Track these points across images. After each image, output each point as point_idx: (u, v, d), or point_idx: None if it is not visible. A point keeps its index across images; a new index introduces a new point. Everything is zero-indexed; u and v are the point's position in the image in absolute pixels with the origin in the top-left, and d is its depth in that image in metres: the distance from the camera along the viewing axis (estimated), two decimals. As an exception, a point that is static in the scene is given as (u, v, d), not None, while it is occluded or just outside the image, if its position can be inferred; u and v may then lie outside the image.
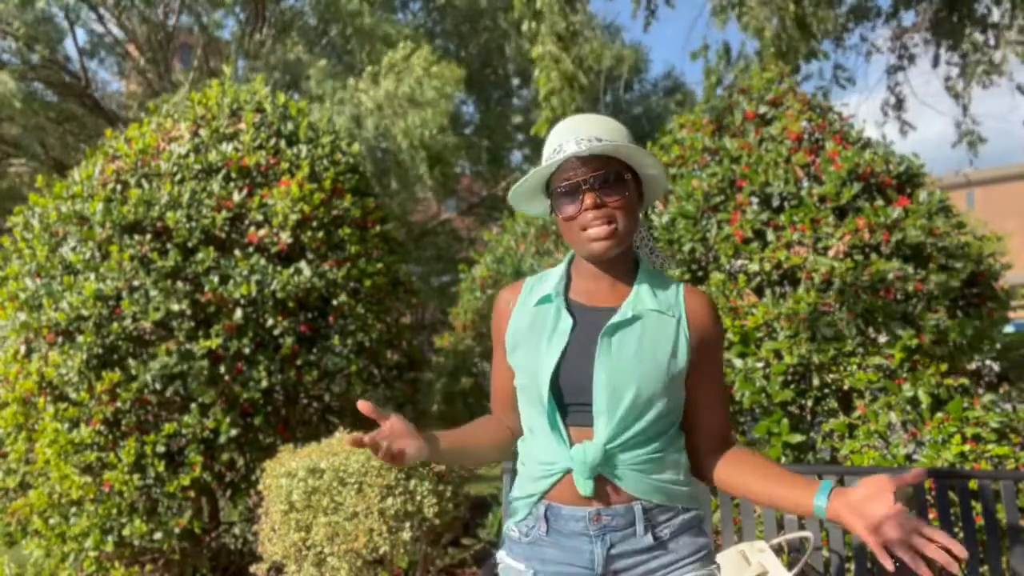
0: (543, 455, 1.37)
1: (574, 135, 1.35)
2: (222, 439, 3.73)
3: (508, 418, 1.54)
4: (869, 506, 1.16)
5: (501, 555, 1.46)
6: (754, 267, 3.75)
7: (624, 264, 1.42)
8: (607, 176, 1.33)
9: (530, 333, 1.41)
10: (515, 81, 17.11)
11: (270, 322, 3.91)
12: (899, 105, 8.71)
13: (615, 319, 1.34)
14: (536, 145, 15.83)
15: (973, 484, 2.85)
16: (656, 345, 1.34)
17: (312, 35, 13.78)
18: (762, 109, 4.29)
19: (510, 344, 1.44)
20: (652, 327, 1.35)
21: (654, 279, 1.42)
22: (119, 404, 3.66)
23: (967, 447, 3.10)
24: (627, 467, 1.32)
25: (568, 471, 1.33)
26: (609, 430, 1.31)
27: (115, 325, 3.71)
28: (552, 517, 1.36)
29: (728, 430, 1.47)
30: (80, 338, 3.67)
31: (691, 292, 1.42)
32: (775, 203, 4.01)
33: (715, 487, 1.45)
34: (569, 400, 1.34)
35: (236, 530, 4.31)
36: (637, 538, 1.34)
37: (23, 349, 3.88)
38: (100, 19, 13.21)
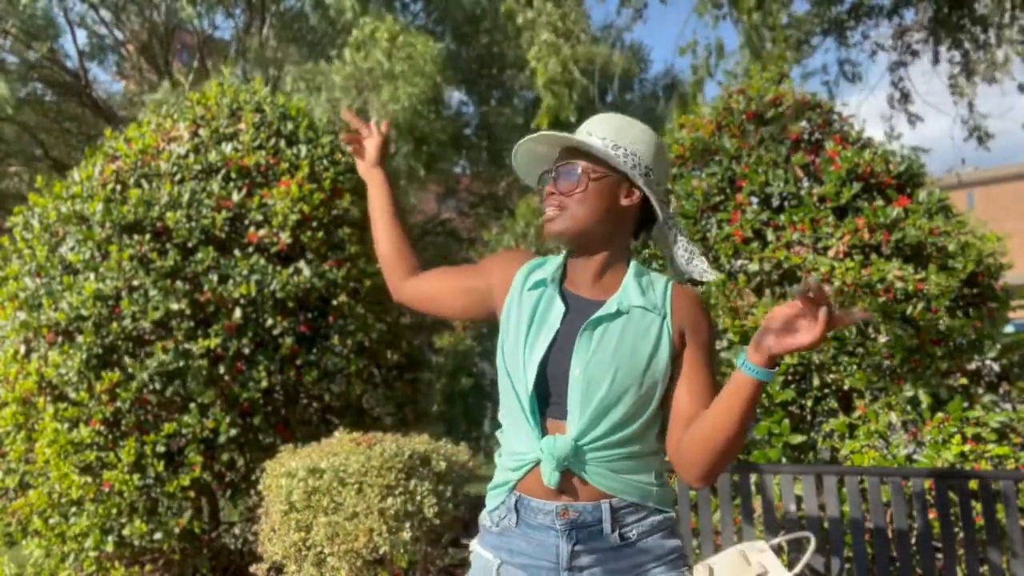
0: (517, 445, 1.38)
1: (586, 128, 1.44)
2: (222, 439, 3.73)
3: (416, 278, 1.63)
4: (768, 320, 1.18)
5: (474, 543, 1.48)
6: (754, 267, 3.75)
7: (617, 260, 1.44)
8: (567, 168, 1.42)
9: (518, 316, 1.41)
10: (515, 82, 17.06)
11: (270, 322, 3.91)
12: (904, 99, 8.69)
13: (599, 313, 1.36)
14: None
15: (973, 484, 2.86)
16: (637, 342, 1.34)
17: (291, 28, 13.62)
18: (761, 109, 4.28)
19: (504, 313, 1.45)
20: (636, 324, 1.36)
21: (644, 276, 1.43)
22: (119, 404, 3.66)
23: (967, 447, 3.10)
24: (596, 463, 1.32)
25: (538, 462, 1.33)
26: (581, 425, 1.31)
27: (114, 325, 3.71)
28: (522, 509, 1.36)
29: None
30: (80, 338, 3.67)
31: (679, 291, 1.43)
32: (775, 203, 4.01)
33: (697, 475, 1.35)
34: (549, 391, 1.35)
35: (236, 530, 4.30)
36: (604, 536, 1.33)
37: (23, 349, 3.88)
38: (103, 22, 13.20)
